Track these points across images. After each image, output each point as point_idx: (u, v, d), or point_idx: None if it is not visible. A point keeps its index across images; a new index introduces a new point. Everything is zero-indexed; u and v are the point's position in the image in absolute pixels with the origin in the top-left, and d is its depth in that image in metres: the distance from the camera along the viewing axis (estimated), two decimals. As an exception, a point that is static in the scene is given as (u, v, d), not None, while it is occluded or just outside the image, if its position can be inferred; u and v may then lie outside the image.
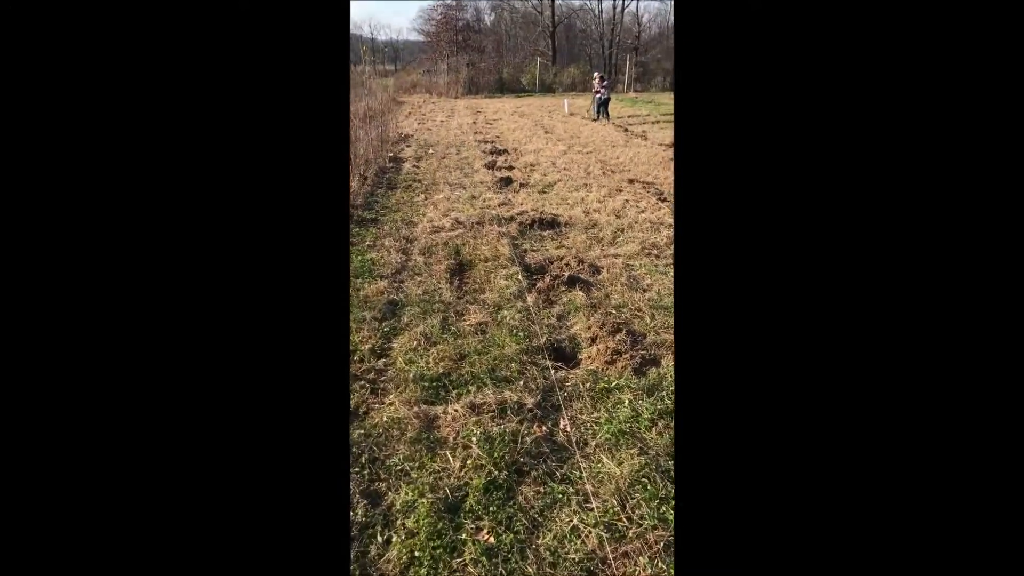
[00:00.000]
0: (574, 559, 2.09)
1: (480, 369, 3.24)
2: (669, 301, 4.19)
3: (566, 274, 4.59)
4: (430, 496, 2.33)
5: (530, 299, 4.20)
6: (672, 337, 3.64)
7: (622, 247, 5.42)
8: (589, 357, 3.46)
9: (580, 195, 7.24)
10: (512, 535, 2.17)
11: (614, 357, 3.37)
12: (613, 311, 4.04)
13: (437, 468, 2.50)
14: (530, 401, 2.96)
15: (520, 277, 4.58)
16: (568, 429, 2.79)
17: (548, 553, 2.11)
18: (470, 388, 3.08)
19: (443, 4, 34.30)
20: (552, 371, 3.28)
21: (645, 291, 4.41)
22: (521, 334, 3.66)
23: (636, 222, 6.18)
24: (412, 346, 3.50)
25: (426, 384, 3.11)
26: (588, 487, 2.41)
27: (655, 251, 5.29)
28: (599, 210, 6.65)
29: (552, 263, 5.00)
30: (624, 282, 4.51)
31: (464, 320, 3.86)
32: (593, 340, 3.62)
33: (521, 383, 3.14)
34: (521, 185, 7.78)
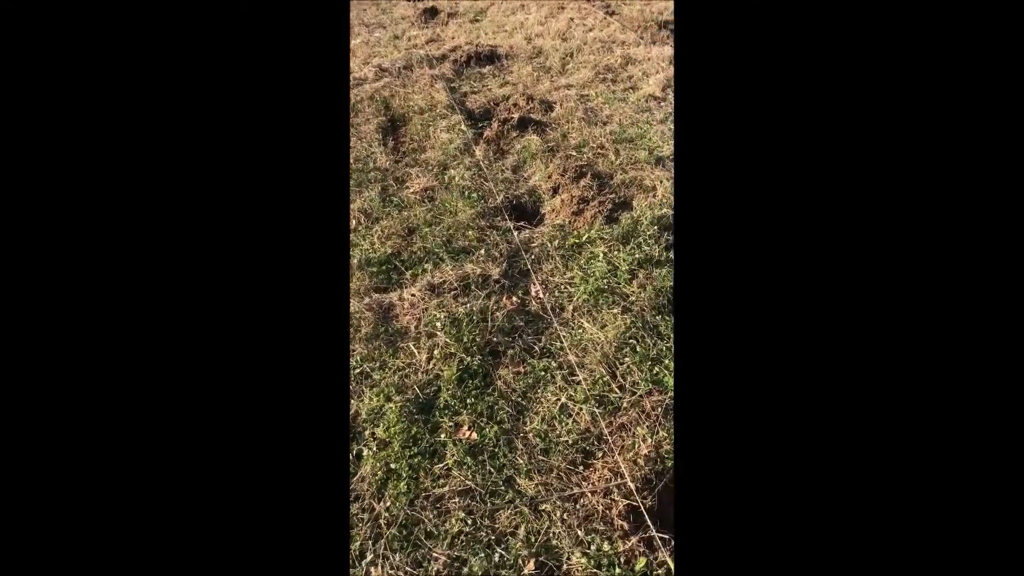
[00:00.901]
0: (567, 442, 1.90)
1: (434, 243, 2.84)
2: (633, 132, 3.73)
3: (516, 116, 4.02)
4: (398, 399, 2.07)
5: (479, 152, 3.69)
6: (644, 175, 3.26)
7: (573, 75, 4.79)
8: (553, 210, 3.08)
9: (518, 19, 6.32)
10: (496, 427, 1.96)
11: (581, 206, 3.00)
12: (573, 153, 3.59)
13: (401, 364, 2.22)
14: (495, 271, 2.62)
15: (463, 127, 4.00)
16: (541, 296, 2.50)
17: (538, 439, 1.92)
18: (425, 267, 2.71)
19: None
20: (515, 232, 2.91)
21: (605, 124, 3.92)
22: (475, 195, 3.22)
23: (585, 43, 5.44)
24: (351, 227, 3.05)
25: (374, 269, 2.72)
26: (572, 358, 2.17)
27: (610, 75, 4.68)
28: (542, 35, 5.83)
29: (498, 105, 4.40)
30: (581, 116, 4.00)
31: (407, 187, 3.37)
32: (555, 190, 3.21)
33: (482, 251, 2.77)
34: (449, 15, 6.74)
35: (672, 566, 1.54)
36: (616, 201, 3.02)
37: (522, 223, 3.02)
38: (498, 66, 5.20)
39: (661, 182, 3.15)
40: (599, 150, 3.58)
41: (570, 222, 2.95)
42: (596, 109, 4.16)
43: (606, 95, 4.35)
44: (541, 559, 1.59)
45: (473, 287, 2.54)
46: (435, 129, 4.03)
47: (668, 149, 3.49)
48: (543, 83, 4.70)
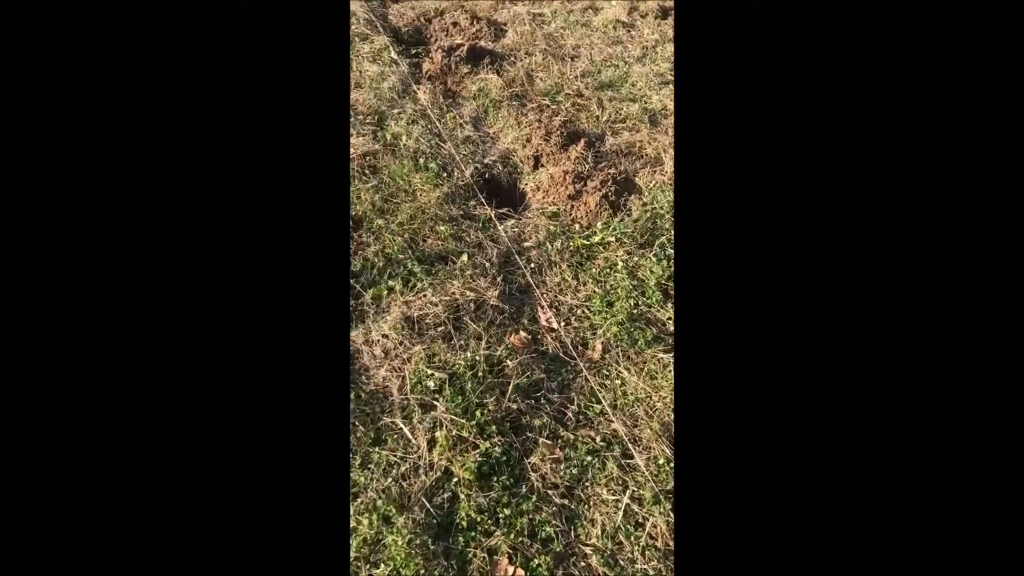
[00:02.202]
0: (647, 572, 1.43)
1: (395, 245, 2.09)
2: (612, 75, 3.05)
3: (462, 45, 3.14)
4: (401, 520, 1.45)
5: (422, 95, 2.83)
6: (640, 139, 2.65)
7: (516, -15, 3.89)
8: (539, 189, 2.42)
9: None
10: (545, 555, 1.43)
11: (577, 187, 2.36)
12: (546, 102, 2.86)
13: (392, 458, 1.57)
14: (491, 292, 1.97)
15: (394, 54, 3.07)
16: (554, 325, 1.92)
17: (605, 567, 1.43)
18: (391, 283, 1.98)
19: None
20: (498, 225, 2.23)
21: (573, 59, 3.19)
22: (433, 164, 2.44)
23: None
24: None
25: None
26: (620, 429, 1.66)
27: (561, -12, 3.85)
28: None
29: (431, 23, 3.45)
30: (543, 48, 3.22)
31: None
32: (537, 160, 2.53)
33: (464, 257, 2.09)
34: None
35: None
36: (617, 179, 2.42)
37: (505, 209, 2.34)
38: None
39: (665, 150, 2.58)
40: (577, 99, 2.89)
41: (567, 210, 2.32)
42: (556, 36, 3.38)
43: (564, 18, 3.56)
44: None
45: (466, 318, 1.89)
46: (357, 57, 3.06)
47: (659, 101, 2.88)
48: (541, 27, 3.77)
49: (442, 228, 2.17)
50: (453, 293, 1.94)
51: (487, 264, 2.07)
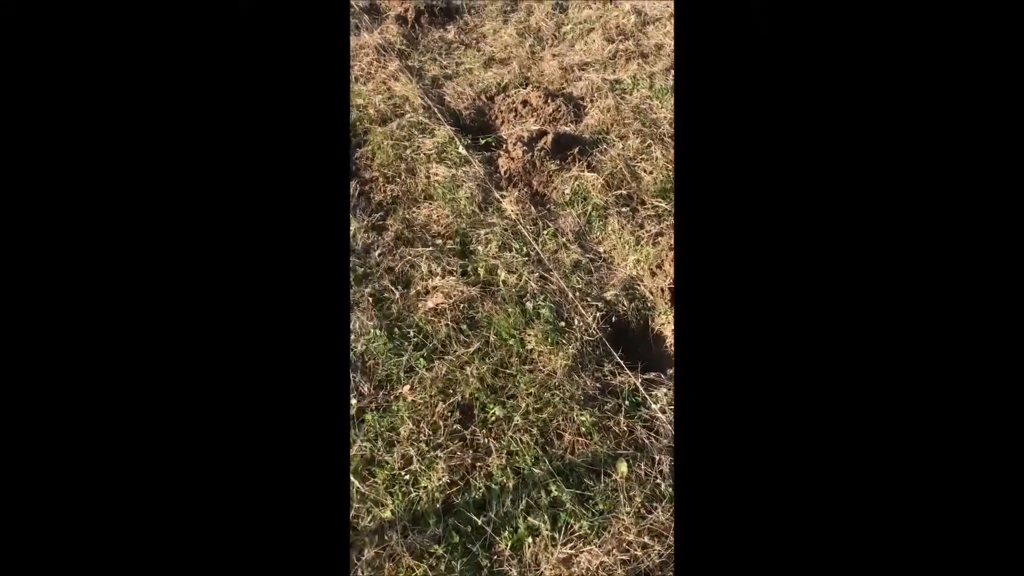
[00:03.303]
0: None
1: (525, 452, 1.54)
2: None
3: (543, 133, 2.62)
4: None
5: (508, 204, 2.31)
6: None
7: (579, 44, 3.39)
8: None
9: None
10: None
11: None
12: (660, 204, 2.33)
13: None
14: (668, 517, 1.42)
15: (462, 149, 2.56)
16: None
17: None
18: (534, 524, 1.42)
19: None
20: (650, 399, 1.68)
21: (672, 139, 2.67)
22: (546, 310, 1.90)
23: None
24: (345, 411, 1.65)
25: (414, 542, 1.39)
26: None
27: (631, 43, 3.34)
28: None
29: (495, 102, 2.94)
30: (638, 129, 2.70)
31: (415, 299, 1.95)
32: (670, 296, 1.98)
33: (624, 469, 1.53)
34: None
35: None
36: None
37: (653, 375, 1.78)
38: (462, 24, 3.63)
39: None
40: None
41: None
42: (646, 110, 2.87)
43: (646, 84, 3.05)
44: None
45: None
46: (417, 154, 2.55)
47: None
48: (543, 59, 3.27)
49: (582, 417, 1.63)
50: (621, 536, 1.39)
51: (656, 477, 1.52)
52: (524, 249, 2.13)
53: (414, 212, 2.30)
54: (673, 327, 1.91)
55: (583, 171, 2.46)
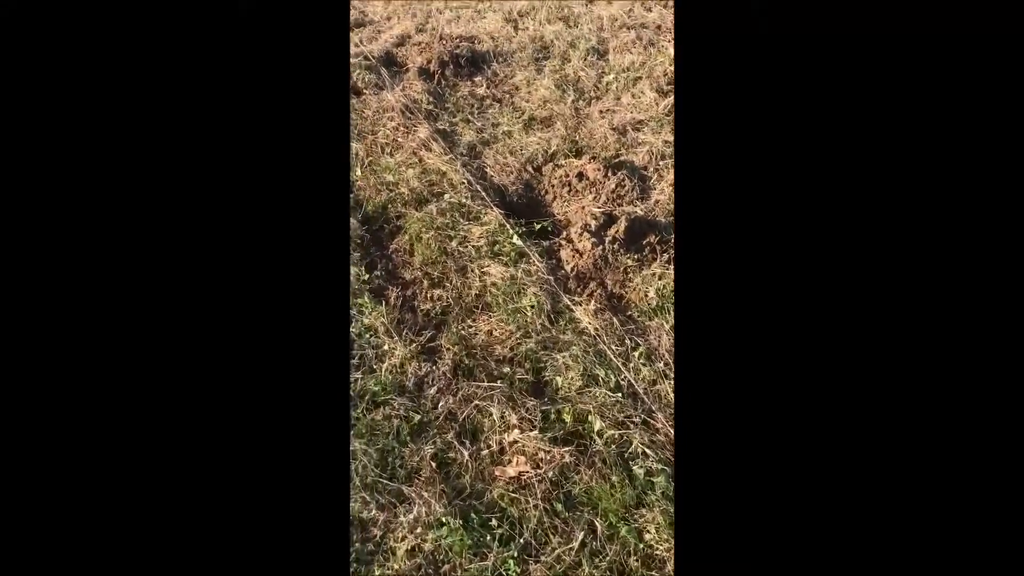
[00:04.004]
0: None
1: None
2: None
3: (613, 219, 2.23)
4: None
5: (585, 316, 1.90)
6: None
7: (625, 97, 3.03)
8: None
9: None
10: None
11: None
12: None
13: None
14: None
15: (517, 239, 2.16)
16: None
17: None
18: None
19: None
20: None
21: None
22: (661, 478, 1.49)
23: (603, 29, 3.62)
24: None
25: None
26: None
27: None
28: (525, 11, 3.90)
29: (542, 173, 2.55)
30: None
31: (498, 475, 1.53)
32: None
33: None
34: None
35: None
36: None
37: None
38: (491, 76, 3.26)
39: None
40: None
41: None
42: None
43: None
44: None
45: None
46: (464, 246, 2.14)
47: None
48: (590, 117, 2.90)
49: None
50: None
51: None
52: (614, 379, 1.72)
53: (471, 328, 1.89)
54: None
55: (666, 266, 2.07)
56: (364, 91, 3.03)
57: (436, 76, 3.17)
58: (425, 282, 2.04)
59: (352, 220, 2.26)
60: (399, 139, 2.68)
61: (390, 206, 2.36)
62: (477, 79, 3.24)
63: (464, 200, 2.35)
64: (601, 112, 2.93)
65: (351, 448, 1.52)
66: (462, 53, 3.35)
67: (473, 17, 3.87)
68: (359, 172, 2.52)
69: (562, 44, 3.47)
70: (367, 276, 2.03)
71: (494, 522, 1.41)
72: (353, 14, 3.90)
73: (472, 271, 2.06)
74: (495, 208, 2.31)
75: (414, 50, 3.46)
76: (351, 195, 2.40)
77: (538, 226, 2.28)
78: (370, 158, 2.59)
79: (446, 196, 2.37)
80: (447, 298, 1.98)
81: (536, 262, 2.09)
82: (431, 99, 2.99)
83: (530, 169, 2.58)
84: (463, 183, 2.43)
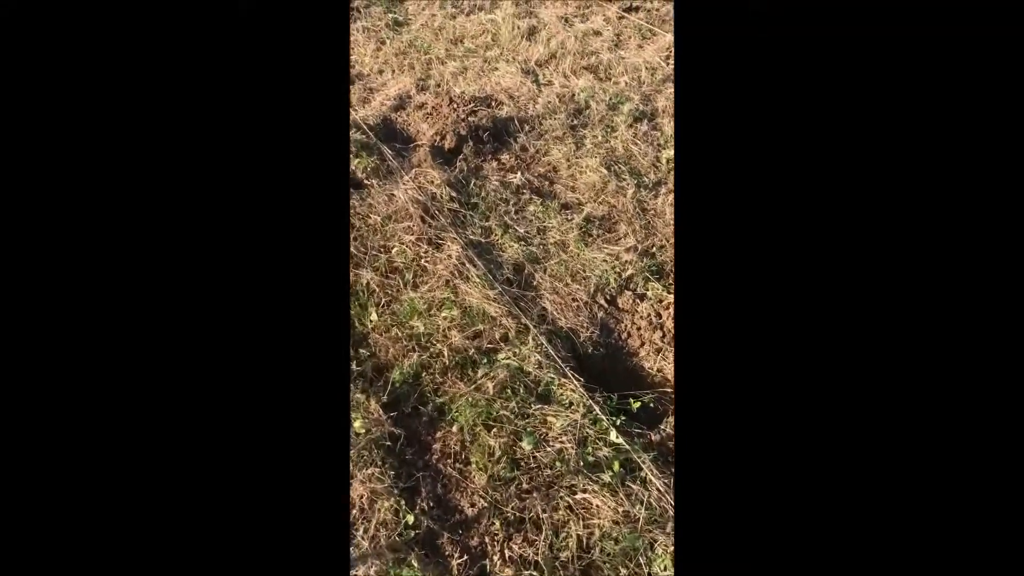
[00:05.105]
0: None
1: None
2: None
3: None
4: None
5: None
6: None
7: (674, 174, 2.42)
8: None
9: (479, 22, 3.64)
10: None
11: None
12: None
13: None
14: None
15: (616, 436, 1.52)
16: None
17: None
18: None
19: None
20: None
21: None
22: None
23: (642, 83, 3.03)
24: None
25: None
26: None
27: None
28: (545, 61, 3.29)
29: (617, 305, 1.92)
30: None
31: None
32: None
33: None
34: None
35: None
36: None
37: None
38: (519, 152, 2.62)
39: None
40: None
41: None
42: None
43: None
44: None
45: None
46: (544, 450, 1.49)
47: None
48: (652, 211, 2.28)
49: None
50: None
51: None
52: None
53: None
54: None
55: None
56: (366, 182, 2.35)
57: (456, 159, 2.52)
58: (496, 522, 1.38)
59: (371, 402, 1.59)
60: (424, 261, 2.01)
61: (424, 373, 1.70)
62: (503, 156, 2.60)
63: (527, 367, 1.69)
64: (672, 205, 2.32)
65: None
66: (481, 122, 2.70)
67: (483, 69, 3.22)
68: (375, 316, 1.84)
69: (600, 106, 2.86)
70: (404, 511, 1.36)
71: None
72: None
73: (559, 498, 1.41)
74: (571, 375, 1.66)
75: (418, 116, 2.80)
76: (368, 362, 1.72)
77: (635, 404, 1.64)
78: (387, 296, 1.91)
79: (500, 357, 1.72)
80: (534, 556, 1.32)
81: (647, 468, 1.45)
82: (452, 190, 2.34)
83: (603, 299, 1.95)
84: (519, 331, 1.78)
